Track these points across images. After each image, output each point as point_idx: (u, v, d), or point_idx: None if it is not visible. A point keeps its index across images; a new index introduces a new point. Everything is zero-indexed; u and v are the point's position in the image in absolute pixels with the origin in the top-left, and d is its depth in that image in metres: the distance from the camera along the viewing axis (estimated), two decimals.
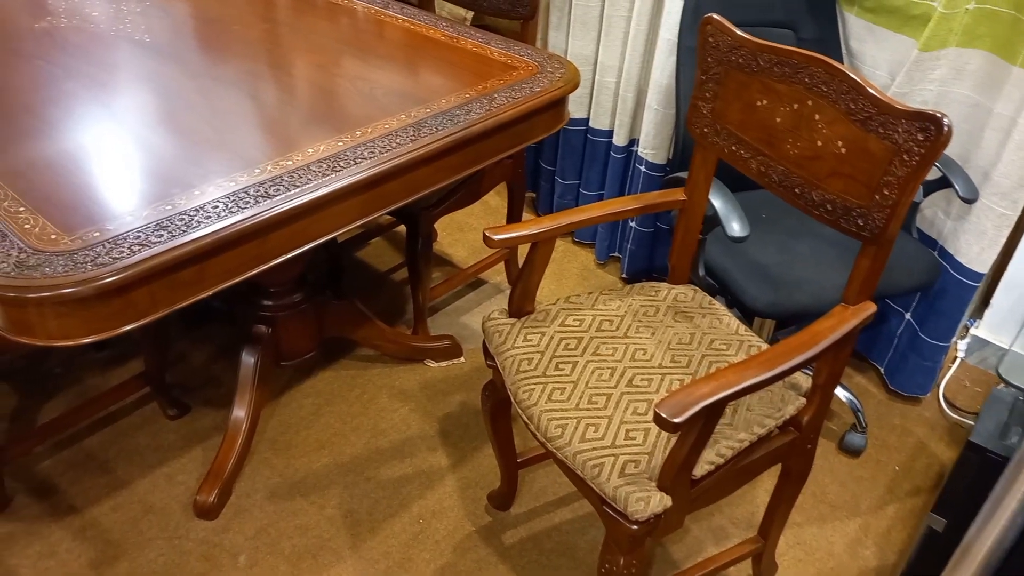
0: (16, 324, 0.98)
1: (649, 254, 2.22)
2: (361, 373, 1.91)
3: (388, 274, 2.28)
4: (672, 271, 1.45)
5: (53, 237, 1.01)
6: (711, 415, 0.97)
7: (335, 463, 1.68)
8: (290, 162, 1.21)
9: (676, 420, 0.91)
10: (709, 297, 1.40)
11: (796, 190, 1.17)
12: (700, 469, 1.07)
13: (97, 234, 1.02)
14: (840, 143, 1.09)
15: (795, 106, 1.14)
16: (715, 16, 1.22)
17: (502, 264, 2.23)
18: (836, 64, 1.07)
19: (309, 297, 1.72)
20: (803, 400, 1.19)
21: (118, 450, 1.68)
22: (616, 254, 2.36)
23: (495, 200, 2.64)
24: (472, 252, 2.37)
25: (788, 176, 1.17)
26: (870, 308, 1.11)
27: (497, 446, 1.49)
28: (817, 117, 1.11)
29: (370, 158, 1.23)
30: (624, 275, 2.29)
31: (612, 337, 1.29)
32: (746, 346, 1.29)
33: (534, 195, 2.57)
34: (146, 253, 1.00)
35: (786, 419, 1.17)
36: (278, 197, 1.12)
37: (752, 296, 1.45)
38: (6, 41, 1.57)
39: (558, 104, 1.54)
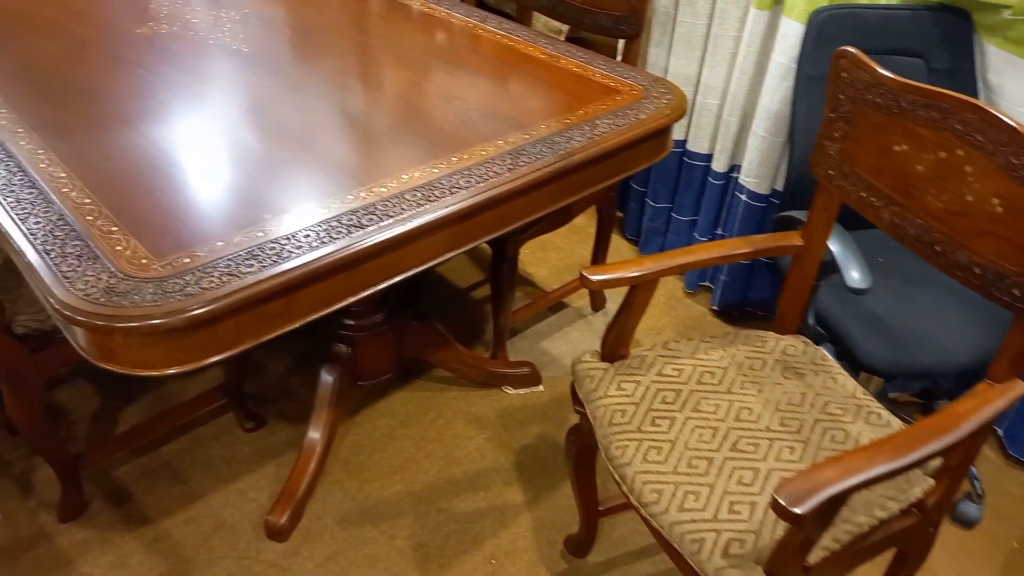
0: (101, 351, 0.95)
1: (743, 287, 2.09)
2: (437, 396, 1.86)
3: (468, 291, 2.23)
4: (780, 319, 1.34)
5: (144, 262, 0.98)
6: (835, 504, 0.87)
7: (407, 491, 1.63)
8: (384, 189, 1.15)
9: (797, 510, 0.81)
10: (822, 352, 1.28)
11: (936, 248, 1.05)
12: (814, 556, 0.96)
13: (187, 260, 0.99)
14: (996, 200, 0.96)
15: (941, 154, 1.02)
16: (851, 49, 1.11)
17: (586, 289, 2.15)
18: (995, 111, 0.95)
19: (390, 318, 1.67)
20: (931, 481, 1.07)
21: (193, 460, 1.67)
22: (707, 284, 2.25)
23: (581, 219, 2.54)
24: (553, 272, 2.30)
25: (928, 232, 1.05)
26: (1019, 388, 0.99)
27: (579, 492, 1.41)
28: (968, 169, 0.99)
29: (466, 188, 1.17)
30: (715, 306, 2.17)
31: (714, 392, 1.19)
32: (864, 412, 1.17)
33: (621, 215, 2.48)
34: (236, 284, 0.95)
35: (911, 502, 1.05)
36: (370, 228, 1.07)
37: (868, 352, 1.33)
38: (109, 46, 1.57)
39: (663, 133, 1.45)
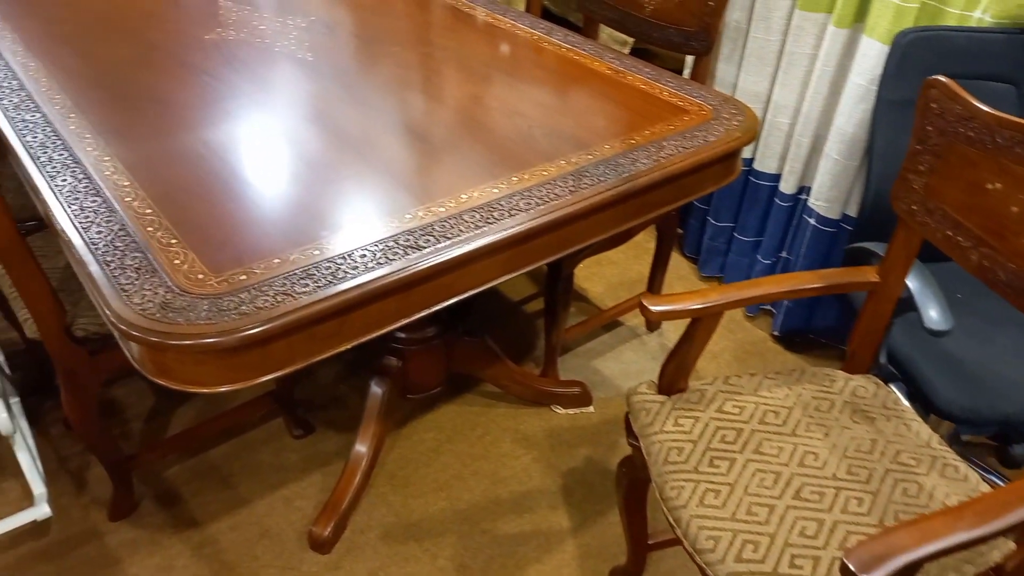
0: (155, 365, 0.95)
1: (807, 314, 2.01)
2: (485, 411, 1.83)
3: (520, 305, 2.20)
4: (851, 357, 1.27)
5: (200, 277, 0.98)
6: (909, 572, 0.81)
7: (452, 508, 1.61)
8: (442, 208, 1.13)
9: None
10: (894, 395, 1.21)
11: None
12: None
13: (243, 277, 0.98)
14: None
15: None
16: (943, 79, 1.04)
17: None
18: None
19: (441, 333, 1.65)
20: (1011, 545, 0.99)
21: (242, 465, 1.68)
22: (769, 307, 2.17)
23: (640, 234, 2.49)
24: (609, 289, 2.25)
25: (1021, 277, 0.98)
26: None
27: (628, 525, 1.37)
28: None
29: (525, 210, 1.14)
30: (776, 332, 2.09)
31: (777, 433, 1.14)
32: (940, 464, 1.10)
33: (681, 232, 2.42)
34: (290, 305, 0.94)
35: (989, 566, 0.98)
36: (427, 250, 1.04)
37: (945, 398, 1.25)
38: (178, 51, 1.59)
39: (731, 156, 1.39)
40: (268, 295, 0.95)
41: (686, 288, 2.27)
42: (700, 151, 1.31)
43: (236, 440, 1.73)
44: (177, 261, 1.00)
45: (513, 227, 1.10)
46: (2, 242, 1.12)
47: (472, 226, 1.10)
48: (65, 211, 1.08)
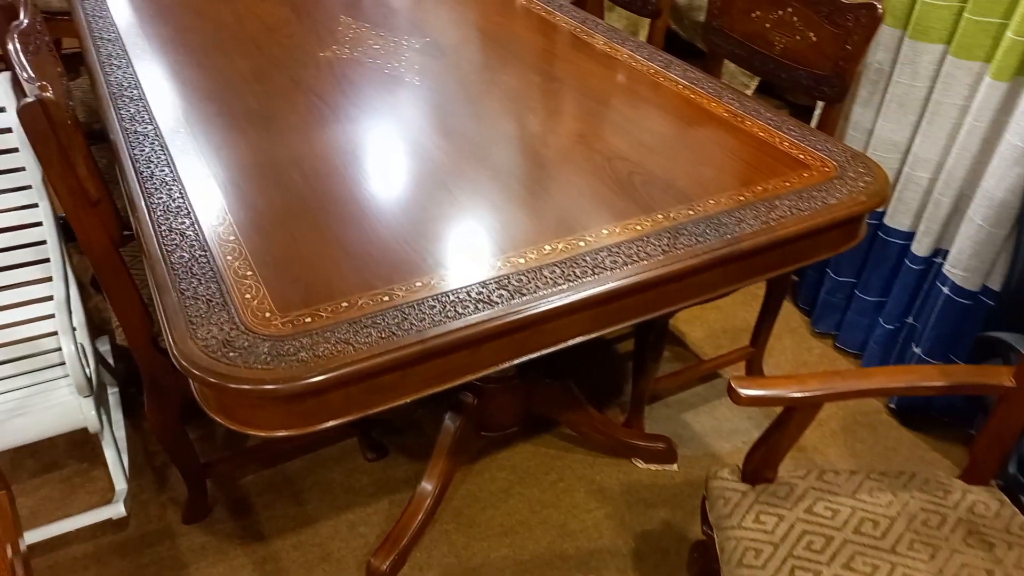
0: (214, 402, 0.94)
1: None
2: (560, 456, 1.76)
3: (611, 343, 2.11)
4: (973, 464, 1.11)
5: (267, 315, 0.96)
6: None
7: (515, 557, 1.54)
8: (522, 260, 1.07)
9: None
10: (1020, 517, 1.05)
11: None
12: None
13: (309, 320, 0.95)
14: None
15: None
16: None
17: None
18: None
19: (522, 373, 1.59)
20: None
21: (313, 481, 1.68)
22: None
23: None
24: (709, 335, 2.12)
25: None
26: None
27: None
28: None
29: (612, 269, 1.06)
30: (892, 404, 1.90)
31: (874, 547, 1.00)
32: None
33: (796, 279, 2.25)
34: (349, 356, 0.90)
35: None
36: (500, 306, 0.98)
37: None
38: (292, 68, 1.60)
39: (854, 222, 1.25)
40: (330, 343, 0.92)
41: (795, 343, 2.11)
42: (817, 215, 1.19)
43: (311, 455, 1.74)
44: (248, 296, 0.99)
45: (594, 287, 1.03)
46: (97, 254, 1.15)
47: (551, 283, 1.03)
48: (155, 232, 1.10)
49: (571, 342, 1.08)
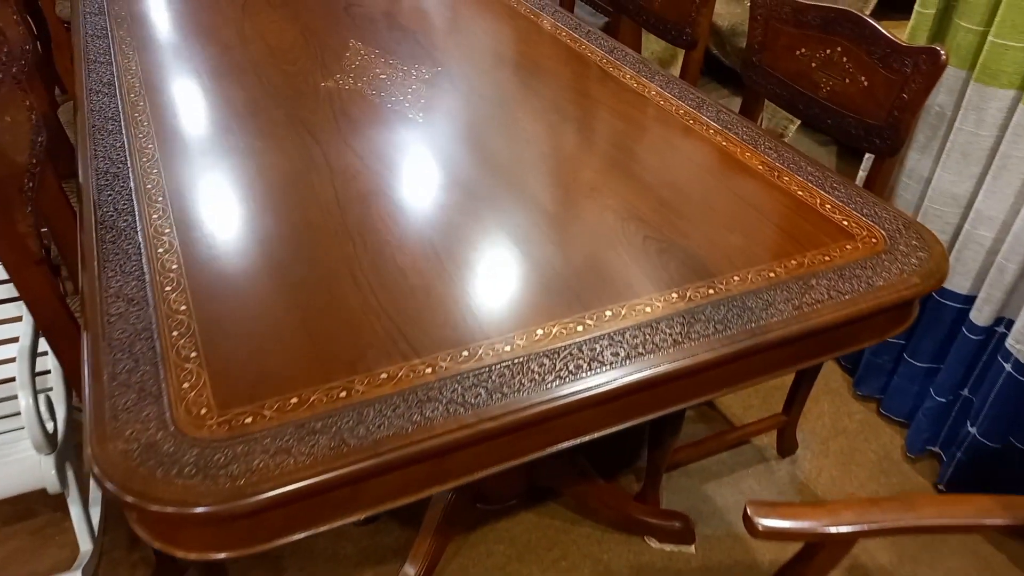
0: (133, 513, 0.81)
1: (986, 475, 1.62)
2: (566, 530, 1.60)
3: None
4: None
5: (203, 412, 0.83)
6: None
7: None
8: (508, 348, 0.92)
9: None
10: None
11: None
12: None
13: (249, 420, 0.82)
14: None
15: None
16: None
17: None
18: None
19: None
20: None
21: (295, 547, 1.56)
22: (936, 450, 1.78)
23: None
24: (740, 397, 1.94)
25: None
26: None
27: None
28: None
29: (611, 364, 0.90)
30: (942, 485, 1.70)
31: None
32: None
33: None
34: (288, 470, 0.77)
35: None
36: (474, 409, 0.84)
37: None
38: (289, 99, 1.48)
39: (903, 307, 1.08)
40: (268, 452, 0.78)
41: (834, 407, 1.92)
42: (859, 299, 1.02)
43: None
44: (186, 385, 0.86)
45: (587, 387, 0.88)
46: (45, 315, 1.04)
47: (538, 379, 0.88)
48: (100, 296, 0.98)
49: (559, 447, 0.93)
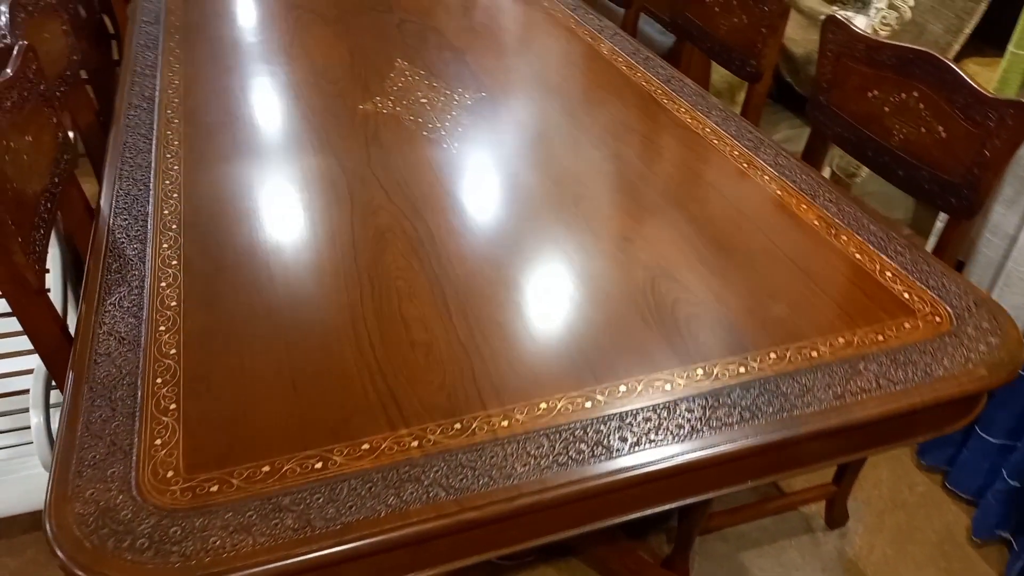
0: None
1: None
2: None
3: None
4: None
5: (169, 475, 0.78)
6: None
7: None
8: (506, 423, 0.84)
9: None
10: None
11: None
12: None
13: (215, 488, 0.76)
14: None
15: None
16: None
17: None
18: None
19: None
20: None
21: None
22: (1006, 535, 1.60)
23: None
24: None
25: None
26: None
27: None
28: None
29: (617, 451, 0.81)
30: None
31: None
32: None
33: None
34: (245, 551, 0.71)
35: None
36: (456, 493, 0.76)
37: None
38: (325, 122, 1.44)
39: (966, 401, 0.95)
40: (228, 529, 0.73)
41: (894, 475, 1.76)
42: (912, 392, 0.90)
43: None
44: (159, 442, 0.81)
45: (590, 479, 0.79)
46: (47, 347, 1.01)
47: (535, 462, 0.80)
48: (91, 337, 0.94)
49: (554, 538, 0.84)
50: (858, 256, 1.12)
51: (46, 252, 1.06)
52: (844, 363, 0.93)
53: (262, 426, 0.83)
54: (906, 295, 1.04)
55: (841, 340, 0.96)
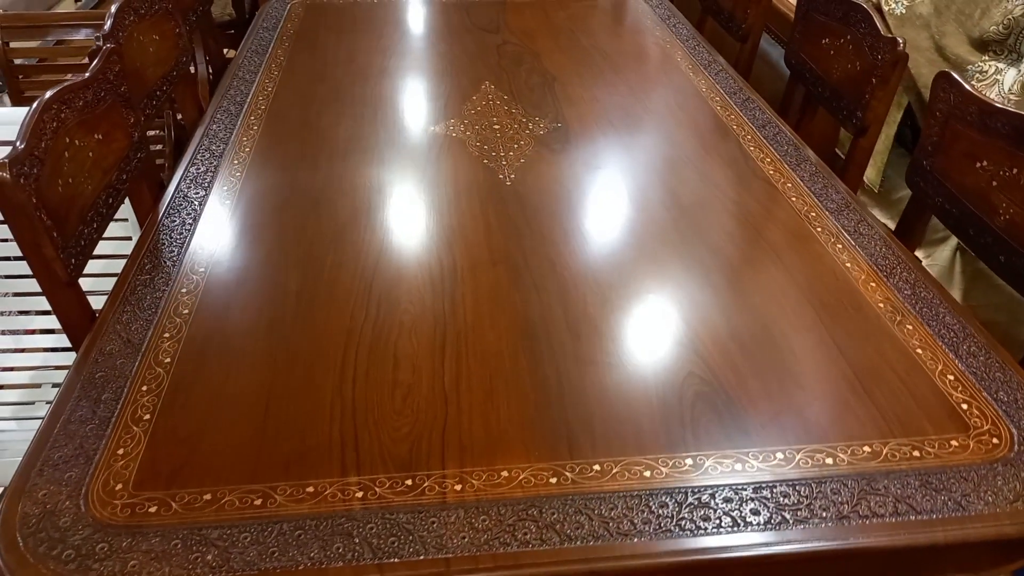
0: None
1: None
2: None
3: None
4: None
5: (118, 488, 0.79)
6: None
7: None
8: (459, 487, 0.79)
9: None
10: None
11: None
12: None
13: (153, 509, 0.76)
14: None
15: None
16: None
17: None
18: None
19: None
20: None
21: None
22: None
23: None
24: None
25: None
26: None
27: None
28: None
29: (560, 541, 0.74)
30: None
31: None
32: None
33: None
34: (161, 574, 0.71)
35: None
36: (374, 560, 0.72)
37: None
38: (392, 141, 1.44)
39: (1012, 546, 0.79)
40: (150, 555, 0.72)
41: None
42: (934, 526, 0.77)
43: None
44: (120, 451, 0.83)
45: (523, 566, 0.72)
46: (77, 336, 1.07)
47: (469, 538, 0.74)
48: (101, 334, 0.98)
49: None
50: (920, 351, 0.98)
51: (94, 244, 1.12)
52: (862, 477, 0.81)
53: (221, 448, 0.83)
54: (964, 405, 0.90)
55: (867, 449, 0.84)
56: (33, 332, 1.55)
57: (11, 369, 1.51)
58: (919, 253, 1.80)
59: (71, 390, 0.90)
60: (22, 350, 1.54)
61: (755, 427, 0.86)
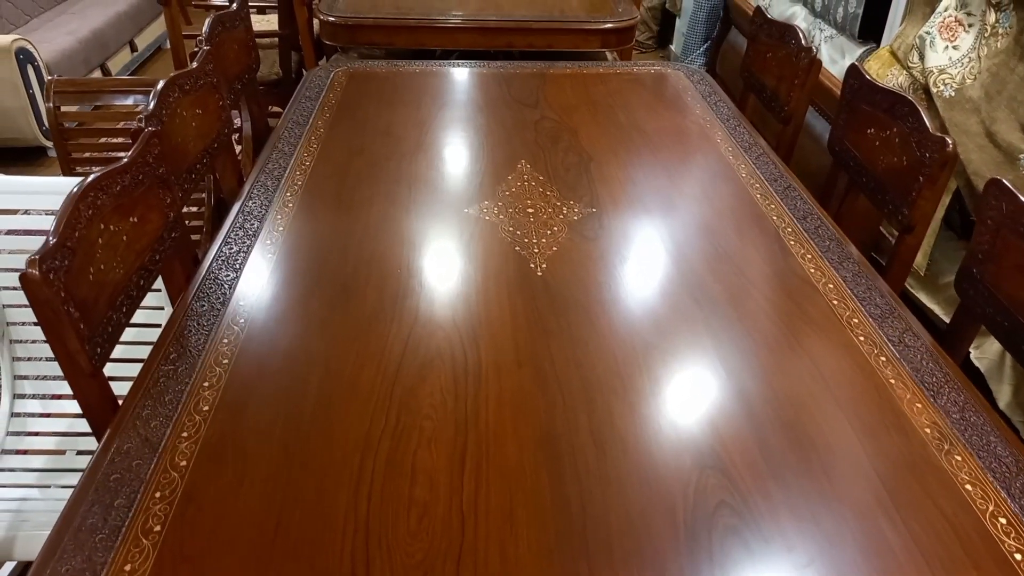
0: None
1: None
2: None
3: None
4: None
5: None
6: None
7: None
8: None
9: None
10: None
11: None
12: None
13: None
14: None
15: None
16: None
17: None
18: None
19: None
20: None
21: None
22: None
23: None
24: None
25: None
26: None
27: None
28: None
29: None
30: None
31: None
32: None
33: None
34: None
35: None
36: None
37: None
38: (421, 221, 1.43)
39: None
40: None
41: None
42: None
43: None
44: (128, 567, 0.81)
45: None
46: (98, 423, 1.06)
47: None
48: (119, 432, 0.97)
49: None
50: (969, 487, 0.92)
51: (122, 329, 1.12)
52: None
53: (227, 569, 0.81)
54: (1018, 555, 0.83)
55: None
56: (60, 397, 1.56)
57: (36, 434, 1.52)
58: None
59: (86, 492, 0.88)
60: (48, 415, 1.55)
61: (786, 568, 0.81)
